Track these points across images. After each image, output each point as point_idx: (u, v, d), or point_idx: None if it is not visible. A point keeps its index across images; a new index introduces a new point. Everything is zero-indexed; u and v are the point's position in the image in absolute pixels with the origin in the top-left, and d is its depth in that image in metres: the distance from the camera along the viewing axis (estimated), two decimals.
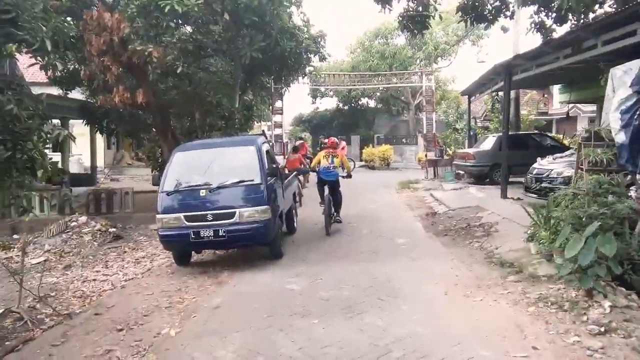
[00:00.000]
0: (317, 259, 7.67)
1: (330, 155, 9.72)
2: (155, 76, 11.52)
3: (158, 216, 7.20)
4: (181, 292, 6.36)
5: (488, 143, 15.52)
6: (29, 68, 10.65)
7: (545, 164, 9.94)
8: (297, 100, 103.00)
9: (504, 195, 11.63)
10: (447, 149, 18.70)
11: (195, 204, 7.11)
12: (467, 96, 17.16)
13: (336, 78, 20.65)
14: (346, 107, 38.37)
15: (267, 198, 7.26)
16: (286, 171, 12.53)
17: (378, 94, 33.93)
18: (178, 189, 7.27)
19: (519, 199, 10.91)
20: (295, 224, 9.95)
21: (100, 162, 25.43)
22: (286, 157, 17.20)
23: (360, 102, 37.91)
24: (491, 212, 10.06)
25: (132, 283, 7.16)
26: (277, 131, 22.13)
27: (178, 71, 10.70)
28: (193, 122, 13.85)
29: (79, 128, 19.07)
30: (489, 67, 13.22)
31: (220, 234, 6.93)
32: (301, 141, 20.18)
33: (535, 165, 10.33)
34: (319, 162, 9.78)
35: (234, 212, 7.04)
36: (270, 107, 19.97)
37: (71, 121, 17.88)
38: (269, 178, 7.52)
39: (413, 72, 20.30)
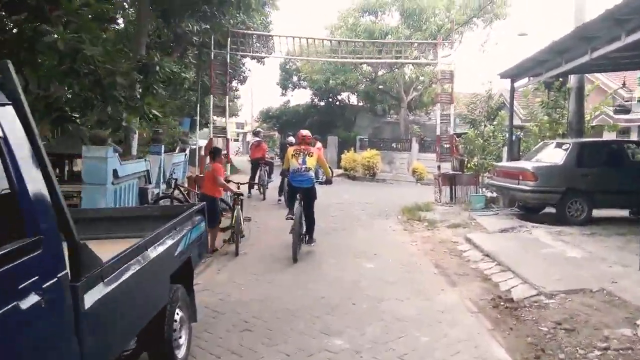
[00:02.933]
0: None
1: (302, 153, 7.23)
2: None
3: None
4: None
5: (554, 155, 9.52)
6: None
7: None
8: (265, 92, 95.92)
9: None
10: (469, 158, 12.74)
11: None
12: (509, 80, 11.19)
13: (314, 48, 13.97)
14: (322, 103, 32.28)
15: None
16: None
17: (362, 86, 27.84)
18: None
19: None
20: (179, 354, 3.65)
21: None
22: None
23: (339, 97, 31.85)
24: None
25: None
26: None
27: None
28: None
29: None
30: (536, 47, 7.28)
31: None
32: (257, 139, 13.82)
33: None
34: (289, 162, 7.31)
35: None
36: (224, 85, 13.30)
37: None
38: None
39: (424, 43, 13.82)
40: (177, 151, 14.48)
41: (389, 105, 29.54)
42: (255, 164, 13.52)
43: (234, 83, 25.41)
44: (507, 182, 9.72)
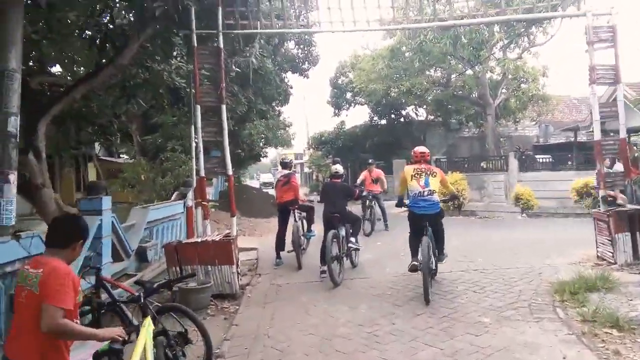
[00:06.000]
0: None
1: (424, 173, 6.11)
2: None
3: None
4: None
5: None
6: None
7: None
8: (317, 115, 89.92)
9: None
10: None
11: None
12: None
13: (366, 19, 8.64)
14: (383, 121, 27.17)
15: None
16: None
17: (430, 97, 22.38)
18: None
19: None
20: None
21: None
22: None
23: (403, 112, 26.56)
24: None
25: None
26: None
27: None
28: None
29: None
30: None
31: None
32: (284, 172, 8.86)
33: None
34: (406, 184, 6.23)
35: None
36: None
37: None
38: None
39: None
40: (173, 198, 9.90)
41: (467, 117, 23.78)
42: (285, 210, 8.57)
43: (275, 104, 20.97)
44: None
